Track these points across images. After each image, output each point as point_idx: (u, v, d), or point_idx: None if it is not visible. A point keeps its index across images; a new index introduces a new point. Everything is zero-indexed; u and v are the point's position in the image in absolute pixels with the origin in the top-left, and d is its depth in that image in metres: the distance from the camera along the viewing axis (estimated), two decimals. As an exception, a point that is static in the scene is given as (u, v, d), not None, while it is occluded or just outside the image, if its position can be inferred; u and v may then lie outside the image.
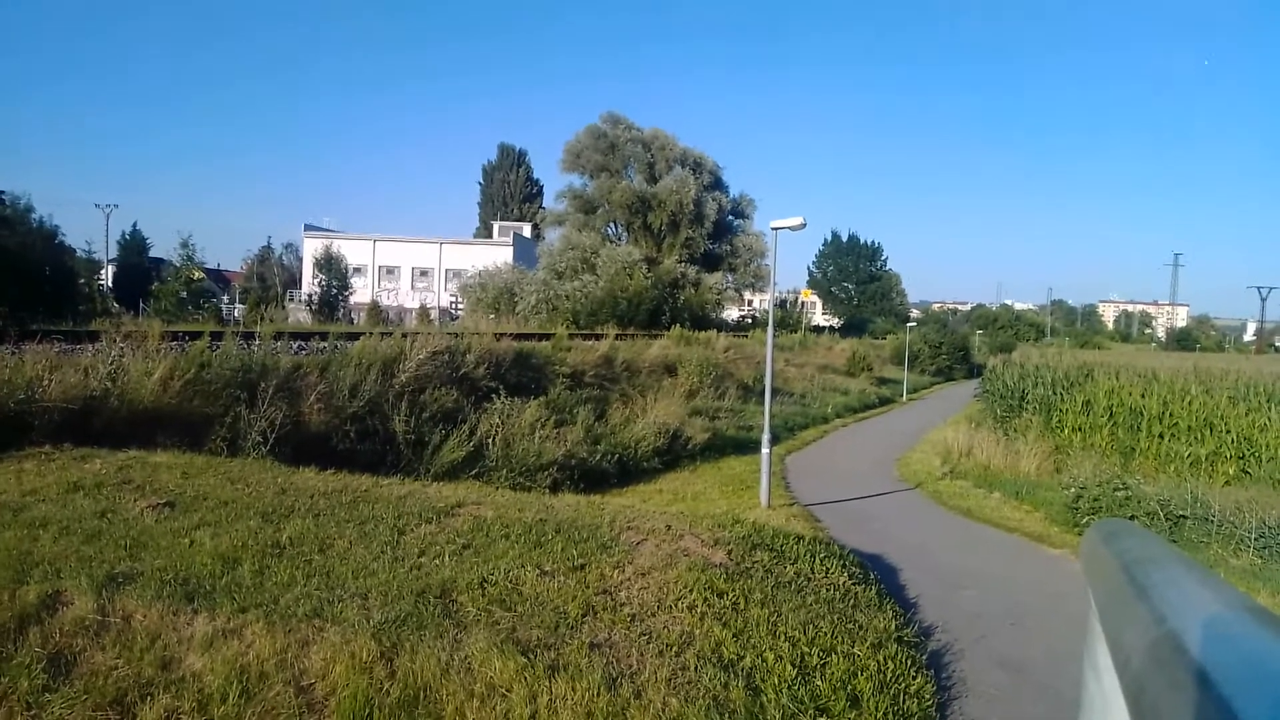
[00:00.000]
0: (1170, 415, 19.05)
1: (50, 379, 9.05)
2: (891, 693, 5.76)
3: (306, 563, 5.95)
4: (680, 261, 45.89)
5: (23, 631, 4.54)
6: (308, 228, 58.24)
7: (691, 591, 6.43)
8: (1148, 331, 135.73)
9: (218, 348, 11.08)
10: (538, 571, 6.27)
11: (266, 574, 5.63)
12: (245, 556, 5.88)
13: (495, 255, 50.77)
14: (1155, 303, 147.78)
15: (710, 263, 49.12)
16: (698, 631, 5.83)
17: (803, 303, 73.20)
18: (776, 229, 13.60)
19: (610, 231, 48.11)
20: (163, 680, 4.36)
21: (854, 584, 7.96)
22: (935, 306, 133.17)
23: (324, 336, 15.33)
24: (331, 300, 41.87)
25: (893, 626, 7.02)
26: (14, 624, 4.58)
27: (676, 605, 6.19)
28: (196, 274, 34.35)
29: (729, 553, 7.63)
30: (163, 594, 5.02)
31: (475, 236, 67.87)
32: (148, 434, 9.30)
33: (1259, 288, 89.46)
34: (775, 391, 16.72)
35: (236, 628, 4.80)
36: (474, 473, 12.14)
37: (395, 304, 49.82)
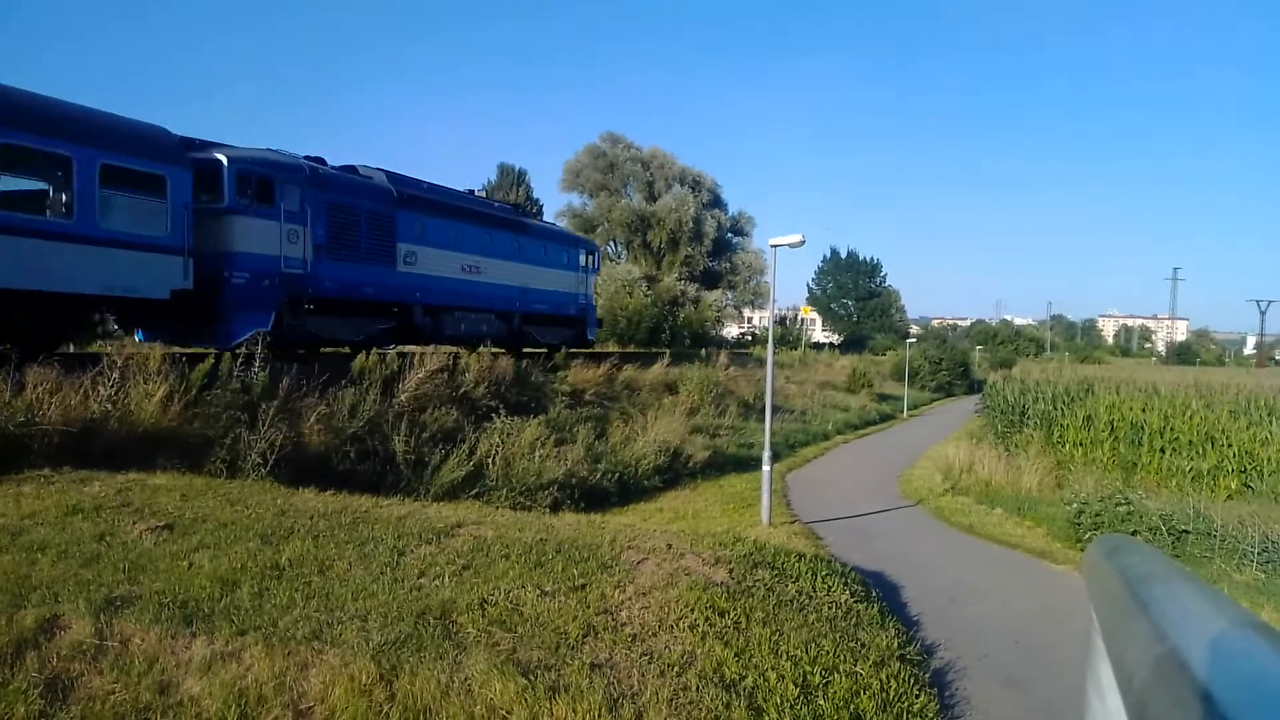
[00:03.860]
0: (1171, 430, 19.03)
1: (50, 402, 9.04)
2: (895, 712, 5.72)
3: (306, 584, 5.91)
4: (680, 279, 46.09)
5: (20, 656, 4.51)
6: (308, 248, 58.34)
7: (693, 611, 6.39)
8: (1148, 346, 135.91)
9: (218, 370, 11.07)
10: (538, 592, 6.23)
11: (265, 596, 5.60)
12: (244, 579, 5.84)
13: (495, 274, 50.83)
14: (1155, 317, 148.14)
15: (709, 280, 49.32)
16: (699, 651, 5.79)
17: (802, 320, 73.31)
18: (775, 246, 13.66)
19: (610, 250, 48.35)
20: (160, 704, 4.33)
21: (856, 602, 7.91)
22: (935, 322, 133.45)
23: (325, 357, 15.32)
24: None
25: (895, 645, 6.98)
26: (11, 649, 4.54)
27: (678, 625, 6.15)
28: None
29: (730, 571, 7.60)
30: (161, 617, 4.99)
31: (475, 256, 67.96)
32: (147, 456, 9.28)
33: (1258, 301, 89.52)
34: (776, 409, 16.71)
35: (235, 651, 4.76)
36: (474, 492, 12.09)
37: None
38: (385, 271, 16.42)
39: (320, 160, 15.79)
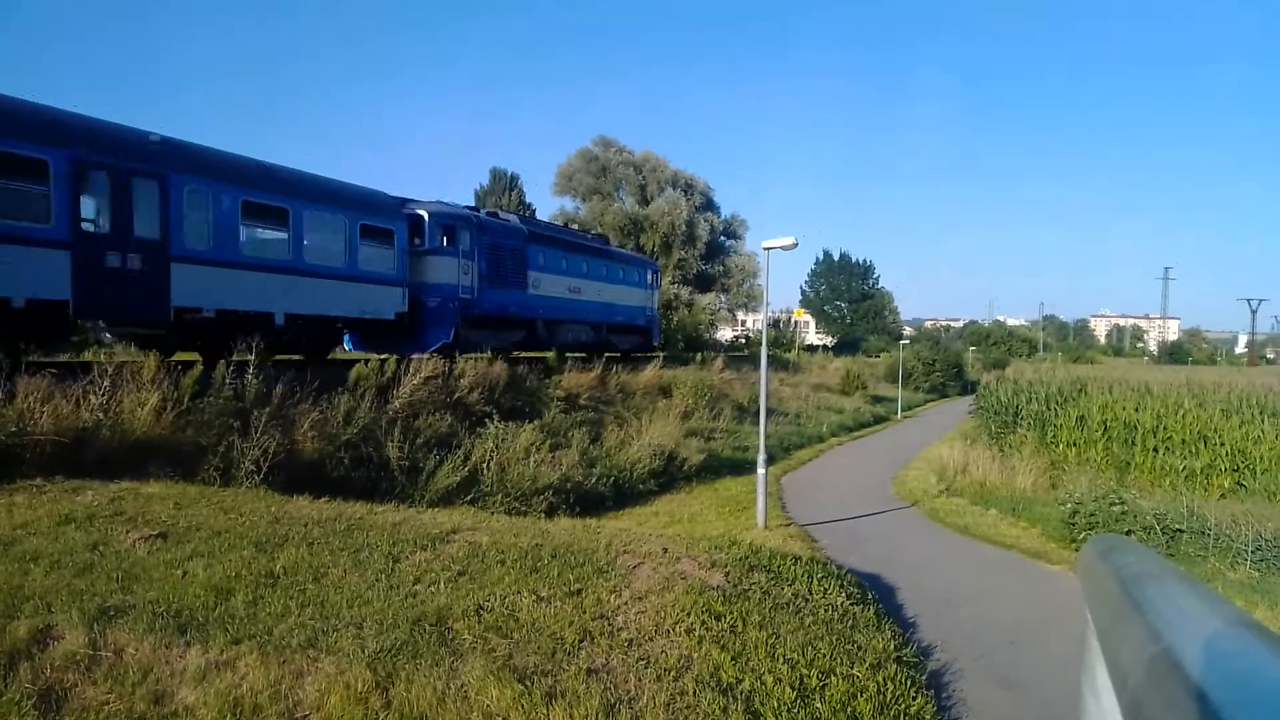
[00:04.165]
0: (1164, 429, 19.12)
1: (42, 411, 8.99)
2: (891, 714, 5.72)
3: (300, 592, 5.89)
4: (673, 283, 46.05)
5: (13, 667, 4.48)
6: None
7: (689, 615, 6.38)
8: (1140, 345, 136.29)
9: (212, 377, 11.04)
10: (534, 597, 6.22)
11: (260, 604, 5.57)
12: (239, 587, 5.82)
13: (488, 279, 50.83)
14: (1147, 316, 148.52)
15: (703, 283, 49.31)
16: (696, 655, 5.78)
17: (796, 322, 73.31)
18: (769, 249, 13.69)
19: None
20: (155, 715, 4.30)
21: (852, 604, 7.92)
22: (928, 324, 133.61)
23: (320, 363, 15.30)
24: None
25: (891, 647, 6.99)
26: (4, 659, 4.51)
27: (674, 629, 6.15)
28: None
29: (726, 575, 7.59)
30: (155, 626, 4.96)
31: (468, 261, 67.84)
32: (140, 464, 9.23)
33: (1249, 300, 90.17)
34: (770, 411, 16.72)
35: (230, 660, 4.74)
36: (469, 498, 12.06)
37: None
38: (521, 295, 20.95)
39: (476, 209, 20.61)
